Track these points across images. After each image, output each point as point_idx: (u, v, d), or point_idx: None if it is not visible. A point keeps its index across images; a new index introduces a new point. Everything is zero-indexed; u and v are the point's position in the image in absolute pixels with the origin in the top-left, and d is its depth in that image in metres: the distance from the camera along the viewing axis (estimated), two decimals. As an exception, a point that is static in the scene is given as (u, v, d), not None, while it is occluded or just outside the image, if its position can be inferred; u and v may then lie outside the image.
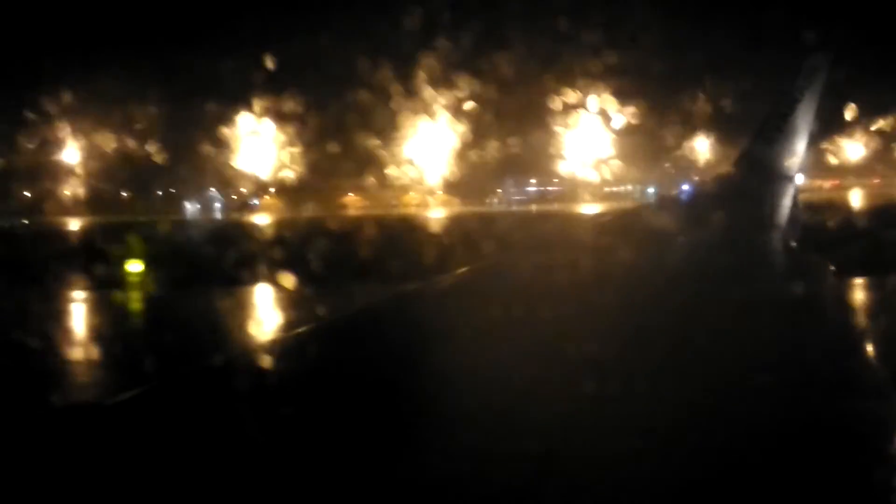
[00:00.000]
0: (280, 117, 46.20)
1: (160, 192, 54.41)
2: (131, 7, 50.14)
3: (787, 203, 5.83)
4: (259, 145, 49.10)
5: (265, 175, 50.52)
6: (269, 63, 35.53)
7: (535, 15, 43.38)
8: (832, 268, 4.82)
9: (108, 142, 47.16)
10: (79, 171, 50.25)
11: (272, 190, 52.39)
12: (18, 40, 45.70)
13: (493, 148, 44.37)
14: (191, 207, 55.42)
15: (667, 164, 49.32)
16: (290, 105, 43.87)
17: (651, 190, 46.61)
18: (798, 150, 6.02)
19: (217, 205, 56.36)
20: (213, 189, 55.48)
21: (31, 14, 50.94)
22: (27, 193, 53.53)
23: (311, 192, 48.11)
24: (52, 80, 43.96)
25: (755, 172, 6.18)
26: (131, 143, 45.94)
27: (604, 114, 45.37)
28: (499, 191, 56.30)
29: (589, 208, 41.55)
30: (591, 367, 2.34)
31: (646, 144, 46.26)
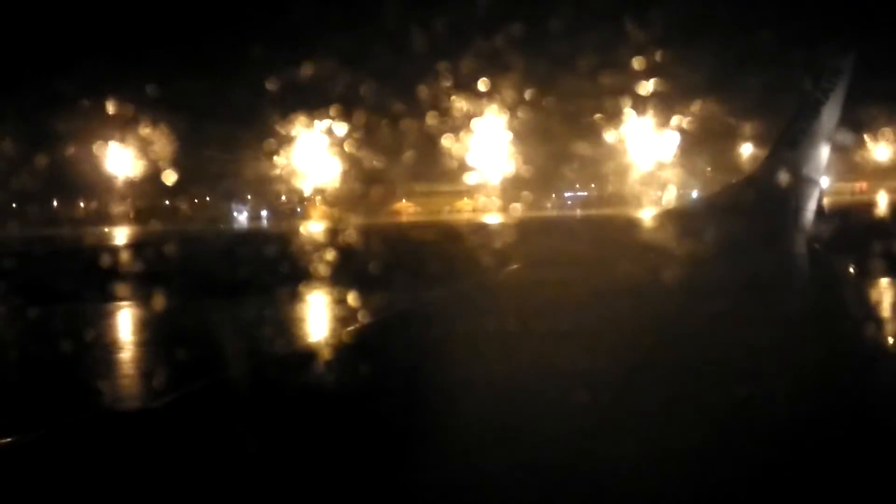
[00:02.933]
0: (336, 125, 47.94)
1: (207, 200, 56.68)
2: (197, 16, 53.05)
3: (811, 206, 6.21)
4: (312, 153, 50.98)
5: (318, 183, 52.31)
6: (326, 71, 37.24)
7: (581, 26, 44.30)
8: (854, 269, 5.17)
9: (158, 151, 49.88)
10: (128, 181, 53.19)
11: (317, 198, 54.03)
12: (64, 43, 48.95)
13: (546, 155, 45.25)
14: (239, 216, 57.77)
15: (707, 169, 50.17)
16: (345, 113, 45.60)
17: (695, 193, 47.67)
18: (822, 153, 6.39)
19: (265, 213, 58.49)
20: (257, 197, 57.65)
21: (82, 18, 54.52)
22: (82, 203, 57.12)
23: (363, 199, 49.38)
24: (98, 85, 46.56)
25: (781, 175, 6.55)
26: (180, 154, 48.43)
27: (646, 122, 46.78)
28: (553, 196, 56.88)
29: (636, 212, 41.86)
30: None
31: (689, 151, 47.34)
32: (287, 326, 11.85)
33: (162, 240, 26.83)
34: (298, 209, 56.65)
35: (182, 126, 47.05)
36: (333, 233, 31.47)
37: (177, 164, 46.86)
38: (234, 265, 16.66)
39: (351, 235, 27.29)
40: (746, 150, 46.15)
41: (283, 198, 57.65)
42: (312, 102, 47.82)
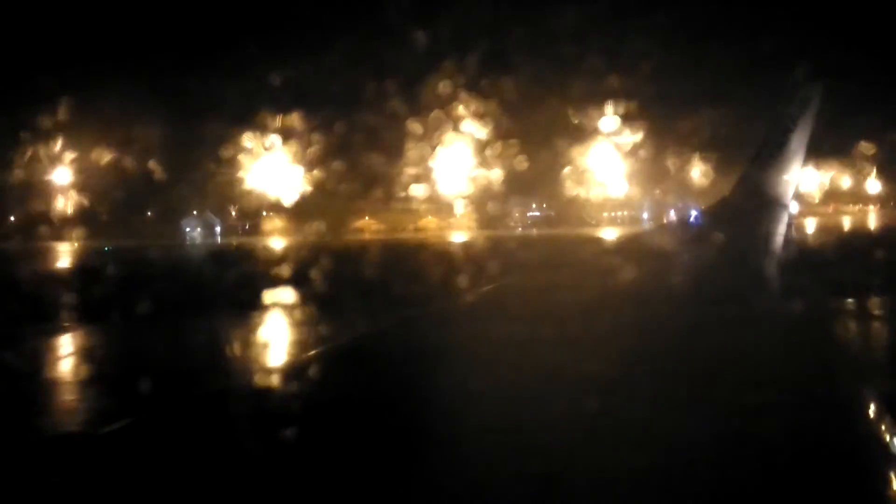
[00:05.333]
0: (290, 139, 47.86)
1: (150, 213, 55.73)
2: (138, 26, 52.57)
3: (781, 228, 6.55)
4: (268, 167, 50.70)
5: (276, 198, 51.95)
6: (278, 83, 37.17)
7: (542, 44, 45.91)
8: (820, 289, 5.51)
9: (105, 160, 48.94)
10: (75, 190, 52.00)
11: (273, 215, 53.62)
12: (13, 54, 48.02)
13: (507, 172, 46.18)
14: (190, 230, 56.83)
15: (658, 190, 52.71)
16: (300, 127, 45.58)
17: (645, 214, 51.91)
18: (792, 178, 6.74)
19: (217, 227, 57.67)
20: (209, 211, 56.88)
21: (31, 27, 53.47)
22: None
23: (323, 216, 49.24)
24: (49, 95, 45.93)
25: (752, 199, 6.89)
26: (130, 163, 47.65)
27: (610, 142, 48.65)
28: (515, 214, 57.86)
29: (600, 231, 43.14)
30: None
31: (648, 171, 49.53)
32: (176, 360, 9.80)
33: (97, 258, 26.21)
34: (252, 225, 56.10)
35: (135, 138, 46.43)
36: (285, 251, 31.09)
37: (129, 176, 46.14)
38: (169, 286, 15.84)
39: (303, 253, 26.77)
40: (705, 173, 48.30)
41: (234, 213, 57.03)
42: (272, 116, 47.71)
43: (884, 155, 53.72)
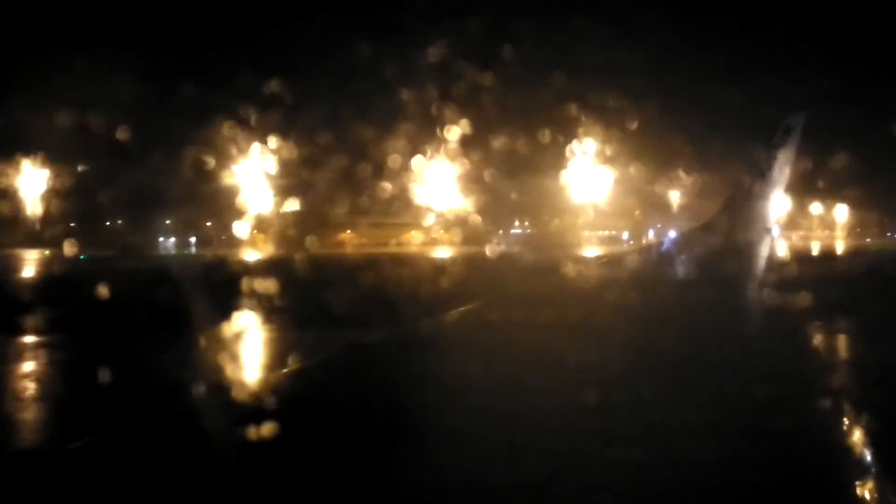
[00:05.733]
0: (271, 149, 47.80)
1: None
2: (105, 28, 52.18)
3: (764, 252, 6.96)
4: (248, 177, 50.49)
5: (256, 211, 51.67)
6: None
7: (528, 63, 46.86)
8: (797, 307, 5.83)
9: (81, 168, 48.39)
10: (45, 198, 51.28)
11: (253, 227, 53.33)
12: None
13: (491, 190, 46.71)
14: (165, 241, 56.25)
15: (637, 211, 53.81)
16: (282, 137, 45.54)
17: (626, 235, 53.54)
18: (774, 204, 7.14)
19: (193, 239, 57.13)
20: (186, 221, 56.29)
21: None
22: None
23: (305, 230, 49.05)
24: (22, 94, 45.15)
25: (736, 223, 7.29)
26: (106, 169, 47.17)
27: (592, 162, 49.59)
28: (500, 232, 58.32)
29: (580, 251, 43.72)
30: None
31: (630, 192, 50.45)
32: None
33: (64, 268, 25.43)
34: (229, 237, 55.70)
35: (116, 145, 46.02)
36: (254, 265, 30.56)
37: (106, 184, 45.63)
38: (135, 298, 15.09)
39: (272, 268, 26.03)
40: (687, 195, 49.32)
41: (212, 224, 56.59)
42: (253, 127, 47.62)
43: (850, 183, 55.48)
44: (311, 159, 45.27)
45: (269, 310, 13.37)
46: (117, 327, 11.71)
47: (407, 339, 4.40)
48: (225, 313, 12.37)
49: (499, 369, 3.40)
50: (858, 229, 72.71)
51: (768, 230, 7.01)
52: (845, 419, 3.43)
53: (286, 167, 48.19)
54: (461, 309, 8.09)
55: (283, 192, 50.21)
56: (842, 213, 69.89)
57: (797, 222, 64.27)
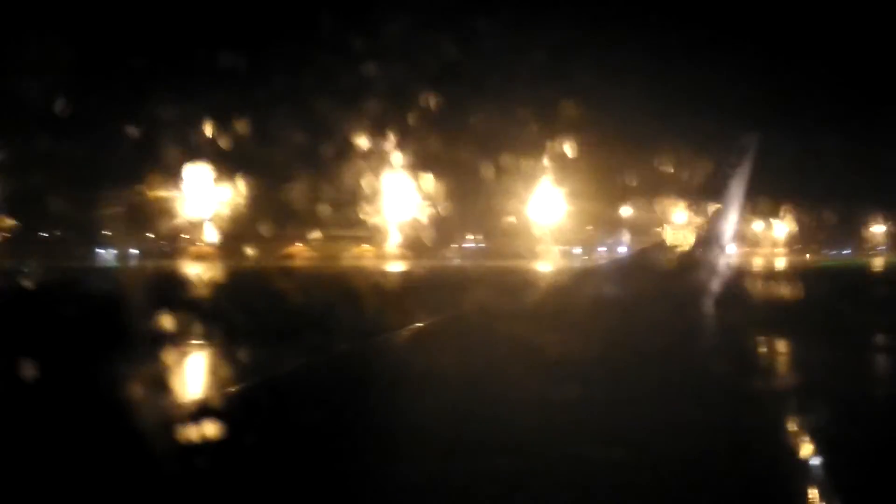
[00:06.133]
0: (221, 159, 46.82)
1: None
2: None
3: (720, 269, 6.95)
4: (195, 187, 49.29)
5: (202, 221, 50.44)
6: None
7: (483, 79, 47.32)
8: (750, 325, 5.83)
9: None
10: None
11: (197, 238, 52.04)
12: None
13: (446, 203, 46.78)
14: (105, 252, 54.53)
15: (590, 227, 55.08)
16: (230, 148, 44.63)
17: (579, 249, 54.20)
18: (730, 223, 7.14)
19: (134, 250, 55.52)
20: (128, 232, 54.67)
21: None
22: None
23: (253, 240, 48.12)
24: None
25: (693, 242, 7.26)
26: (48, 179, 45.43)
27: (546, 176, 50.42)
28: (454, 245, 58.49)
29: (532, 264, 44.09)
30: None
31: (583, 207, 51.47)
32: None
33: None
34: (173, 249, 54.19)
35: (54, 153, 44.33)
36: (193, 278, 29.58)
37: (46, 192, 43.88)
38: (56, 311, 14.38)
39: (210, 281, 25.16)
40: (640, 211, 50.38)
41: (155, 235, 55.00)
42: (203, 137, 46.55)
43: (789, 202, 57.69)
44: (262, 170, 44.52)
45: (182, 328, 12.49)
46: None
47: (337, 364, 4.03)
48: (137, 332, 11.49)
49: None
50: (798, 246, 75.68)
51: (722, 248, 7.04)
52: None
53: (233, 178, 47.25)
54: (401, 329, 7.69)
55: (230, 203, 49.16)
56: (782, 230, 72.56)
57: (745, 239, 66.41)
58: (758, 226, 69.47)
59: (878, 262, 53.82)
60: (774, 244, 74.67)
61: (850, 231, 70.05)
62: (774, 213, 64.53)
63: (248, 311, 14.16)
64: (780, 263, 56.42)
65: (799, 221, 66.60)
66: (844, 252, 71.79)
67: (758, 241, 71.55)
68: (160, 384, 8.50)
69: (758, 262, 53.09)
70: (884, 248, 67.44)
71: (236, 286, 21.38)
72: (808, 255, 70.96)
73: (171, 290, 18.88)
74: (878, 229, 68.65)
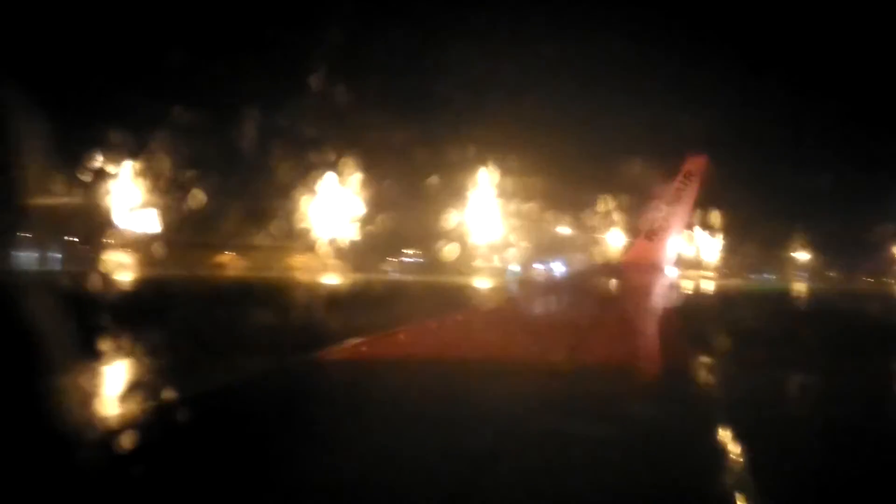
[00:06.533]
0: (150, 164, 45.17)
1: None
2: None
3: (660, 290, 6.69)
4: (122, 193, 47.44)
5: (127, 226, 48.54)
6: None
7: (425, 90, 47.51)
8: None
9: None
10: None
11: (117, 243, 49.96)
12: None
13: (385, 216, 46.43)
14: (25, 256, 51.72)
15: (525, 243, 56.21)
16: (162, 152, 43.10)
17: (516, 266, 54.55)
18: (673, 245, 6.88)
19: (56, 255, 52.92)
20: (50, 236, 52.14)
21: None
22: None
23: (180, 248, 46.57)
24: None
25: (635, 263, 7.00)
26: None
27: (485, 193, 50.89)
28: (393, 259, 58.07)
29: (468, 280, 44.34)
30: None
31: (522, 225, 52.24)
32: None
33: None
34: (98, 256, 51.85)
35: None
36: (112, 285, 28.26)
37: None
38: None
39: (129, 289, 23.99)
40: (579, 230, 51.25)
41: (79, 241, 52.51)
42: (135, 139, 44.79)
43: (721, 226, 59.62)
44: (194, 176, 43.08)
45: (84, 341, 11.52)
46: None
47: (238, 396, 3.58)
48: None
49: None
50: (726, 270, 78.28)
51: (662, 270, 6.84)
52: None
53: (164, 185, 45.64)
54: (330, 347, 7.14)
55: (161, 210, 47.43)
56: (712, 254, 74.84)
57: (680, 262, 68.50)
58: (690, 249, 71.88)
59: (796, 288, 56.41)
60: (704, 267, 77.22)
61: (775, 257, 73.16)
62: (709, 235, 66.89)
63: (162, 324, 13.31)
64: (708, 286, 58.36)
65: (728, 246, 69.22)
66: (766, 276, 74.79)
67: (692, 264, 73.82)
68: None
69: (690, 285, 54.77)
70: (805, 273, 70.52)
71: (157, 295, 20.31)
72: (732, 280, 73.57)
73: (84, 299, 17.73)
74: (801, 256, 71.85)
